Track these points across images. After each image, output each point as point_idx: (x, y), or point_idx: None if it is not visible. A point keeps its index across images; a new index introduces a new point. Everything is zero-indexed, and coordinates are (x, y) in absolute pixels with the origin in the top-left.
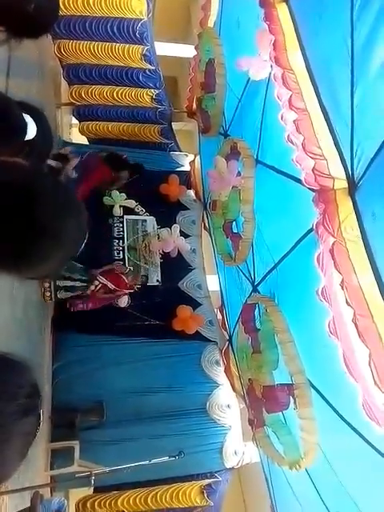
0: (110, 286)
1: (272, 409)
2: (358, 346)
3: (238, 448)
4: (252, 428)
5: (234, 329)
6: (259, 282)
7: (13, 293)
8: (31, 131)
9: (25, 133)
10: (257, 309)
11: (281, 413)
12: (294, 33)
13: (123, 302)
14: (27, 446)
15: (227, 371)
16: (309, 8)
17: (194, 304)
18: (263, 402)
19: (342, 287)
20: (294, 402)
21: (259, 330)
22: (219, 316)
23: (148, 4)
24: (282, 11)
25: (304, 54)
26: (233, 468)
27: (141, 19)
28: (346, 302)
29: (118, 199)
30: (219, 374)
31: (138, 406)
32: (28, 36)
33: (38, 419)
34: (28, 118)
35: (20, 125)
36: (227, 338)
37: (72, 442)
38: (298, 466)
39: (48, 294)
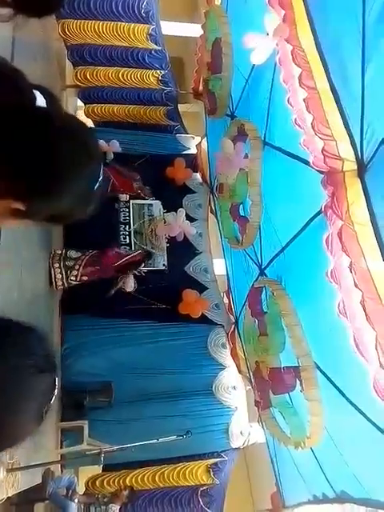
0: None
1: (278, 390)
2: (366, 326)
3: (243, 429)
4: (258, 409)
5: (240, 312)
6: (266, 266)
7: (21, 277)
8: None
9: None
10: (264, 292)
11: (287, 394)
12: (304, 8)
13: (130, 286)
14: (42, 406)
15: (233, 354)
16: None
17: (201, 288)
18: (270, 383)
19: (351, 270)
20: (300, 384)
21: (266, 313)
22: (226, 300)
23: None
24: None
25: (313, 30)
26: (239, 448)
27: None
28: (355, 284)
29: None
30: (225, 357)
31: (145, 386)
32: (37, 12)
33: (54, 382)
34: (37, 93)
35: (27, 96)
36: (233, 321)
37: (81, 421)
38: (303, 445)
39: (60, 283)
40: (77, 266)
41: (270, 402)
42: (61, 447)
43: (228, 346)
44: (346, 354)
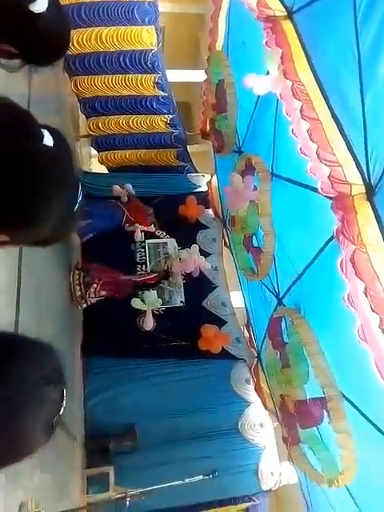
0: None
1: (306, 424)
2: None
3: (274, 468)
4: (287, 446)
5: (261, 345)
6: (284, 295)
7: (41, 317)
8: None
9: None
10: (283, 322)
11: (315, 428)
12: (300, 44)
13: (149, 325)
14: (51, 417)
15: (258, 389)
16: (312, 20)
17: (220, 322)
18: (296, 417)
19: (366, 294)
20: (328, 416)
21: (287, 343)
22: (246, 333)
23: (157, 35)
24: (287, 26)
25: (311, 65)
26: (270, 490)
27: (151, 50)
28: (371, 308)
29: (139, 225)
30: (250, 393)
31: (169, 428)
32: (44, 60)
33: (62, 393)
34: (45, 132)
35: (35, 133)
36: (255, 354)
37: (107, 467)
38: (336, 483)
39: (82, 301)
40: (95, 282)
41: (299, 437)
42: (86, 494)
43: (252, 381)
44: (372, 381)
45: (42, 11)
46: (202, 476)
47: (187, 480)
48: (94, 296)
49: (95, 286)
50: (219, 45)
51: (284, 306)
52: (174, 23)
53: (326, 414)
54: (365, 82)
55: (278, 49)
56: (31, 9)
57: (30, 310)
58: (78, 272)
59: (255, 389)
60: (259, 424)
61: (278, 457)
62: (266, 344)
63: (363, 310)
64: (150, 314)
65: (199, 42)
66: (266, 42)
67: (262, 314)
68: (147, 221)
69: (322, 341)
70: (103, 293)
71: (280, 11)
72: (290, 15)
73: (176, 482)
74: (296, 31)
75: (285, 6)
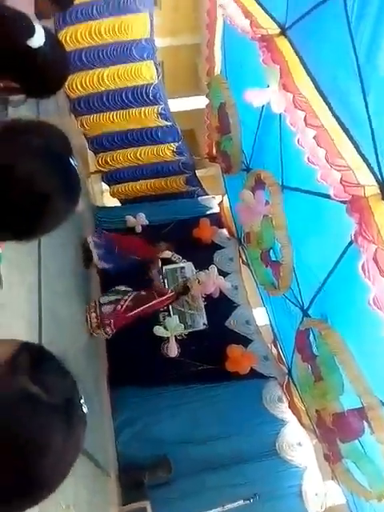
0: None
1: (346, 437)
2: None
3: (318, 489)
4: (329, 463)
5: (291, 360)
6: (308, 306)
7: (64, 352)
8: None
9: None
10: (311, 334)
11: (357, 440)
12: (297, 58)
13: (173, 351)
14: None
15: (292, 406)
16: (306, 33)
17: (245, 341)
18: (335, 431)
19: None
20: (369, 426)
21: (317, 355)
22: (274, 350)
23: (156, 68)
24: (281, 43)
25: (310, 75)
26: None
27: (152, 83)
28: None
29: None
30: (284, 411)
31: (203, 455)
32: (42, 90)
33: (84, 424)
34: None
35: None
36: (286, 371)
37: (143, 502)
38: None
39: (98, 331)
40: (117, 307)
41: (341, 452)
42: None
43: (285, 399)
44: None
45: (39, 46)
46: (242, 501)
47: (227, 506)
48: (110, 331)
49: (108, 323)
50: (217, 69)
51: (310, 317)
52: (172, 55)
53: (366, 424)
54: (366, 83)
55: (276, 65)
56: (29, 44)
57: (52, 346)
58: (93, 303)
59: (289, 406)
60: (297, 443)
61: (321, 476)
62: (295, 359)
63: None
64: (174, 340)
65: (198, 69)
66: (263, 60)
67: (288, 328)
68: (152, 251)
69: (352, 348)
70: (123, 322)
71: (273, 29)
72: (283, 32)
73: (216, 510)
74: (291, 46)
75: (277, 24)
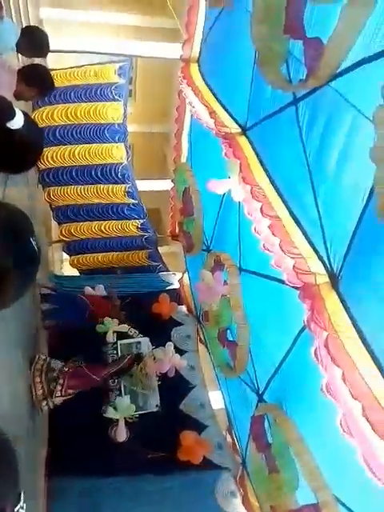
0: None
1: None
2: (376, 441)
3: None
4: None
5: (245, 449)
6: (264, 390)
7: None
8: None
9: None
10: (266, 421)
11: None
12: (255, 155)
13: (121, 436)
14: None
15: (245, 502)
16: (264, 135)
17: (199, 427)
18: None
19: (345, 382)
20: None
21: (271, 444)
22: (228, 438)
23: (127, 151)
24: (242, 141)
25: (267, 172)
26: None
27: (121, 163)
28: (352, 396)
29: (111, 325)
30: (237, 508)
31: None
32: (17, 168)
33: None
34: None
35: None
36: (240, 461)
37: None
38: None
39: (44, 402)
40: (60, 379)
41: None
42: None
43: (238, 495)
44: (363, 478)
45: (18, 128)
46: None
47: None
48: (60, 395)
49: (61, 382)
50: (183, 157)
51: (265, 402)
52: (142, 140)
53: None
54: (316, 185)
55: (237, 160)
56: (9, 126)
57: None
58: (41, 363)
59: (242, 503)
60: None
61: None
62: (250, 448)
63: (344, 398)
64: (123, 423)
65: (166, 156)
66: (225, 154)
67: (243, 413)
68: (110, 310)
69: (307, 438)
70: (70, 391)
71: (235, 128)
72: (244, 132)
73: None
74: (251, 144)
75: (239, 125)
